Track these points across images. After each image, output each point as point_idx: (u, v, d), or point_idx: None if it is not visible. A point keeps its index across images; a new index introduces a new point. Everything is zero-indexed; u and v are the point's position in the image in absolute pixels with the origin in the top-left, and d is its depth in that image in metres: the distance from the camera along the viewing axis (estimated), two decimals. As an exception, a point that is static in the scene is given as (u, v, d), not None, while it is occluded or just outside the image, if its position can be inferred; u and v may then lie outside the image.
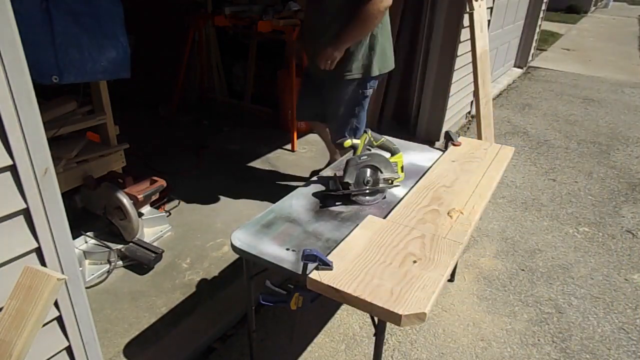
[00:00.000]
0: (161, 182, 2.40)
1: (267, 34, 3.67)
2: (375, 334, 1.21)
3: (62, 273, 1.04)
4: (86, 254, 2.14)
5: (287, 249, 1.24)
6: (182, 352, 1.76)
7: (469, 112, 4.56)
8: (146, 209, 2.42)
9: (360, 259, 1.16)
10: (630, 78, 6.43)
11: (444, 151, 1.91)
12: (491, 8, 4.17)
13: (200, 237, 2.44)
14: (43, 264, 1.01)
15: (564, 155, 3.82)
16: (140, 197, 2.26)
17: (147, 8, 3.93)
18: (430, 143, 3.38)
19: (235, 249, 1.26)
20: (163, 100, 4.18)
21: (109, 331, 1.81)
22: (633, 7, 16.80)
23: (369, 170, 1.48)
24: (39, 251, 0.99)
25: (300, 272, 1.12)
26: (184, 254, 2.29)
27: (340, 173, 1.53)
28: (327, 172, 1.69)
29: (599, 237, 2.69)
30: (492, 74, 5.19)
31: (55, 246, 1.02)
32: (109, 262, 2.14)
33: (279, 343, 1.85)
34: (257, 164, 3.33)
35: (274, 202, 1.51)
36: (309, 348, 1.84)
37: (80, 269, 1.58)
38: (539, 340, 1.94)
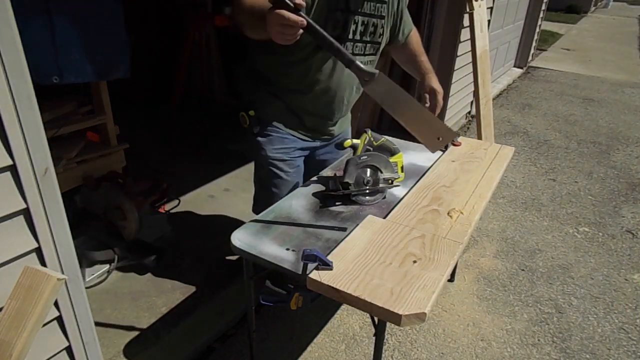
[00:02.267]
0: (161, 182, 2.40)
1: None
2: (375, 334, 1.21)
3: (62, 273, 1.04)
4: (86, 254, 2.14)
5: (287, 249, 1.23)
6: (182, 352, 1.76)
7: (469, 112, 4.56)
8: (146, 209, 2.42)
9: (360, 258, 1.16)
10: (630, 78, 6.43)
11: (444, 151, 1.91)
12: (491, 8, 4.17)
13: (200, 237, 2.44)
14: (43, 264, 1.01)
15: (564, 155, 3.82)
16: (140, 197, 2.26)
17: (147, 8, 3.93)
18: (430, 143, 3.37)
19: (235, 249, 1.26)
20: (163, 100, 4.18)
21: (109, 331, 1.81)
22: (633, 7, 16.80)
23: (369, 170, 1.47)
24: (39, 251, 0.99)
25: (300, 272, 1.12)
26: (184, 254, 2.29)
27: (340, 173, 1.53)
28: (327, 172, 1.69)
29: (599, 237, 2.69)
30: (492, 74, 5.19)
31: (55, 246, 1.02)
32: (109, 262, 2.14)
33: (279, 343, 1.85)
34: (257, 164, 3.33)
35: (274, 202, 1.51)
36: (309, 348, 1.84)
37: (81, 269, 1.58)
38: (539, 340, 1.94)
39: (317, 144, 1.73)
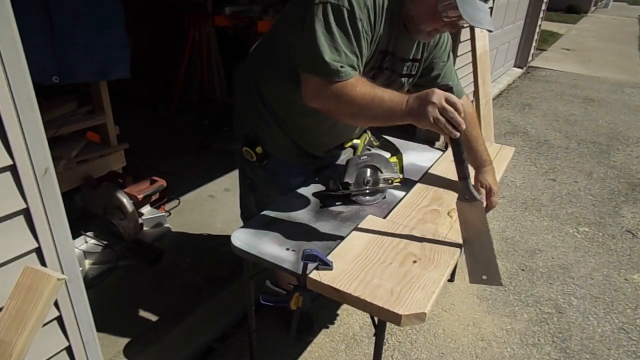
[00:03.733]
0: (161, 182, 2.40)
1: (267, 34, 3.66)
2: (375, 334, 1.21)
3: (62, 273, 1.04)
4: (86, 254, 2.14)
5: (287, 249, 1.23)
6: (182, 352, 1.76)
7: (469, 112, 4.55)
8: (146, 209, 2.42)
9: (360, 258, 1.16)
10: (630, 78, 6.43)
11: (444, 151, 1.91)
12: (491, 8, 4.17)
13: (200, 237, 2.44)
14: (43, 264, 1.01)
15: (564, 155, 3.82)
16: (140, 197, 2.26)
17: (147, 8, 3.93)
18: (430, 143, 3.38)
19: (235, 249, 1.26)
20: (163, 100, 4.18)
21: (109, 331, 1.81)
22: (633, 7, 16.77)
23: (369, 170, 1.47)
24: (39, 251, 0.99)
25: (300, 272, 1.12)
26: (184, 254, 2.29)
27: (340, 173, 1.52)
28: (327, 172, 1.69)
29: (599, 237, 2.69)
30: (492, 74, 5.18)
31: (55, 246, 1.02)
32: (109, 262, 2.14)
33: (279, 343, 1.85)
34: (257, 164, 3.33)
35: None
36: (309, 348, 1.84)
37: (80, 269, 1.58)
38: (539, 340, 1.94)
39: (327, 161, 1.67)
